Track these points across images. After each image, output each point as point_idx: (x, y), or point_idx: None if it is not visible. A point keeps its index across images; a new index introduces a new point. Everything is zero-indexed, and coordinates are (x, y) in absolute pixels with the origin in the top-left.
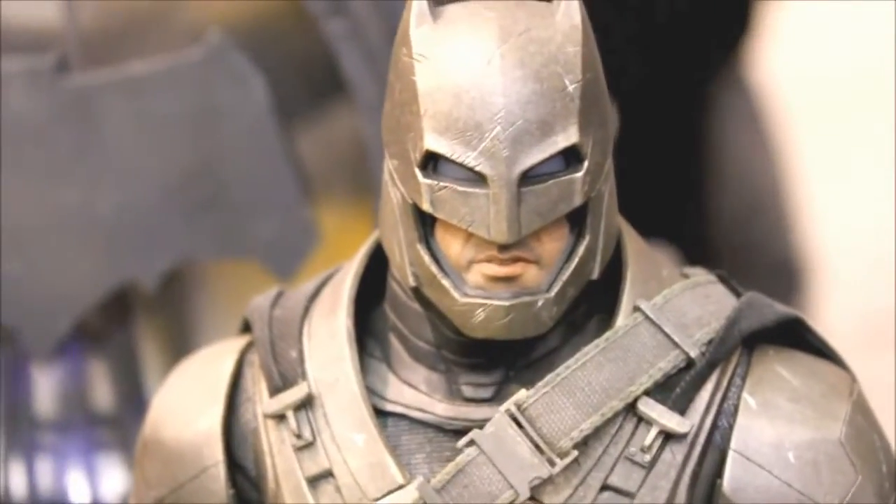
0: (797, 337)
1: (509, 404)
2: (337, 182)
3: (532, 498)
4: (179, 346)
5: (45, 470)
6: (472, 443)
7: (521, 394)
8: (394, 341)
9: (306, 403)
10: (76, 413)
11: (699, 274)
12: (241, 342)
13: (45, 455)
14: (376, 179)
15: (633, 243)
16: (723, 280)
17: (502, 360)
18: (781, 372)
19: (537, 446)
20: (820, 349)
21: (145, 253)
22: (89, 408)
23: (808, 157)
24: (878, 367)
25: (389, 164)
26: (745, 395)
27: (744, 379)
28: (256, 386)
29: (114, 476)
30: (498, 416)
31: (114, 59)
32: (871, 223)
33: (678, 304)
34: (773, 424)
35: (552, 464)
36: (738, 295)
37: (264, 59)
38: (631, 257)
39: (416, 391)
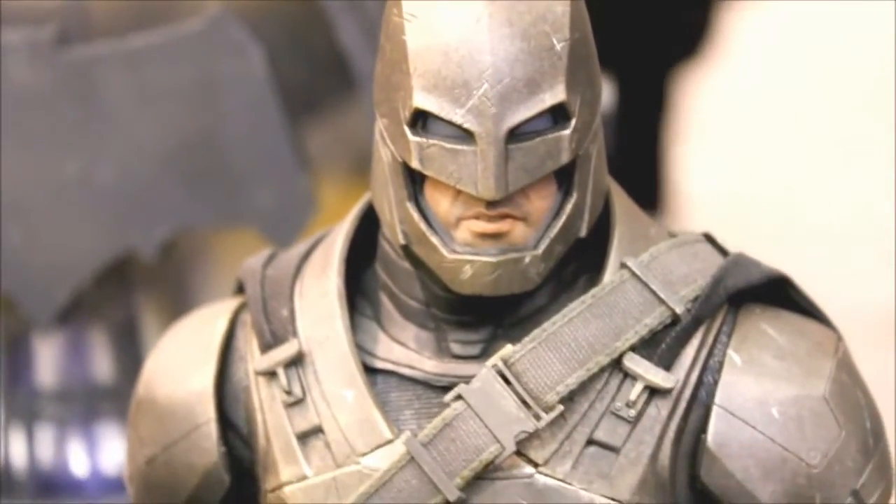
0: (783, 296)
1: (496, 359)
2: (337, 154)
3: (518, 452)
4: (178, 316)
5: (45, 439)
6: (458, 397)
7: (508, 349)
8: (384, 300)
9: (297, 361)
10: (76, 383)
11: (687, 233)
12: (234, 303)
13: (46, 425)
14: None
15: (622, 203)
16: (709, 239)
17: (490, 317)
18: (767, 330)
19: (523, 401)
20: (805, 308)
21: (145, 222)
22: (89, 378)
23: (808, 153)
24: (880, 363)
25: (380, 124)
26: (730, 351)
27: (729, 336)
28: (248, 345)
29: (113, 446)
30: (484, 371)
31: (113, 31)
32: (871, 219)
33: (665, 261)
34: (758, 381)
35: (538, 418)
36: (724, 254)
37: (263, 33)
38: (619, 216)
39: (405, 348)
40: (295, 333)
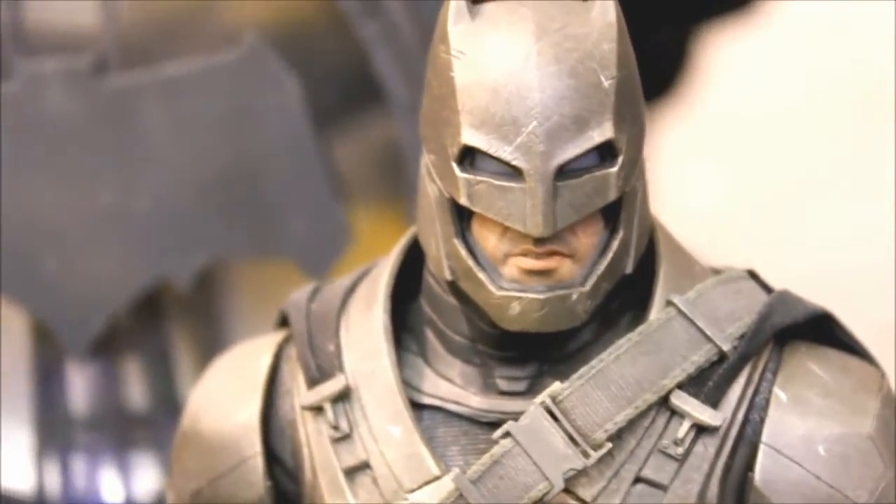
0: (826, 332)
1: (544, 396)
2: (371, 183)
3: (566, 490)
4: (211, 346)
5: (78, 468)
6: (507, 434)
7: (556, 386)
8: (429, 335)
9: (343, 396)
10: (109, 412)
11: (730, 270)
12: (278, 337)
13: (79, 453)
14: (411, 180)
15: (666, 239)
16: (753, 276)
17: (536, 353)
18: (812, 367)
19: (572, 438)
20: (849, 345)
21: (180, 251)
22: (122, 407)
23: (809, 166)
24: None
25: (427, 160)
26: (776, 389)
27: (775, 374)
28: (294, 380)
29: (147, 475)
30: (533, 408)
31: (150, 60)
32: (872, 233)
33: (711, 298)
34: (804, 419)
35: (586, 455)
36: (768, 291)
37: (298, 61)
38: (664, 253)
39: (451, 384)
40: (341, 368)
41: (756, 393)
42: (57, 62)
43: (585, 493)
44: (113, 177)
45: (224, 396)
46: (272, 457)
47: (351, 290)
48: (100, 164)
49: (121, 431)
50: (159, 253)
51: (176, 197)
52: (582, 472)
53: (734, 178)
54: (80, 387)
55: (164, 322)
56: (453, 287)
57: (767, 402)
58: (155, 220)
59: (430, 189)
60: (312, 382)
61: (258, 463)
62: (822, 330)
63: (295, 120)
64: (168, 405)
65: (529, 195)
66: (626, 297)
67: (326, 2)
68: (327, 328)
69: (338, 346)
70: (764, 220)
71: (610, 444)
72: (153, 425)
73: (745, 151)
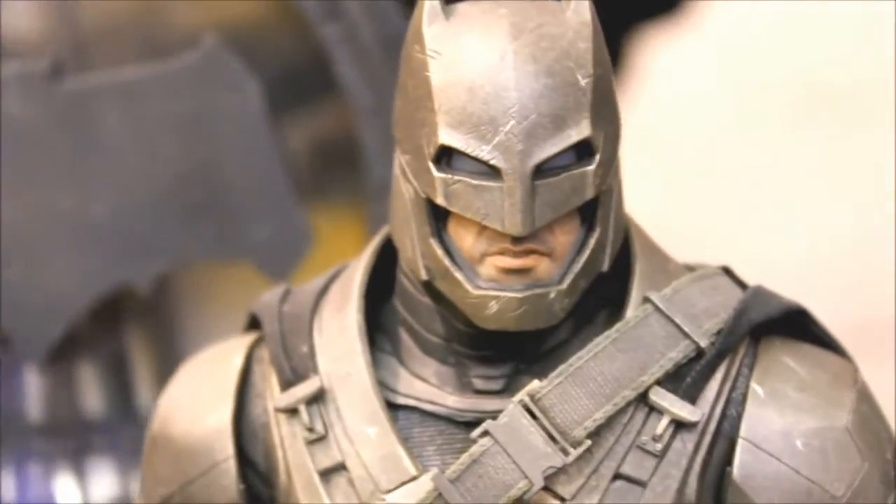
0: (800, 328)
1: (523, 395)
2: (331, 185)
3: (545, 488)
4: (169, 352)
5: (35, 475)
6: (485, 433)
7: (535, 384)
8: (404, 336)
9: (318, 397)
10: (66, 418)
11: (705, 267)
12: (248, 339)
13: (36, 460)
14: (373, 182)
15: (640, 237)
16: (728, 272)
17: (513, 352)
18: (788, 362)
19: (551, 436)
20: (822, 339)
21: (140, 257)
22: (80, 413)
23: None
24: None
25: (402, 160)
26: (752, 384)
27: (751, 369)
28: (266, 382)
29: (103, 481)
30: (511, 406)
31: (107, 63)
32: (865, 231)
33: (687, 294)
34: (782, 413)
35: (566, 453)
36: (742, 287)
37: (258, 63)
38: (639, 250)
39: (426, 384)
40: (315, 370)
41: (733, 388)
42: (13, 66)
43: (564, 490)
44: (71, 181)
45: (195, 400)
46: (245, 460)
47: (323, 291)
48: (57, 169)
49: (77, 438)
50: (119, 259)
51: (135, 201)
52: (561, 470)
53: (670, 176)
54: (36, 393)
55: (122, 327)
56: (428, 287)
57: (744, 396)
58: (114, 225)
59: (404, 189)
60: (286, 384)
61: (231, 466)
62: (795, 325)
63: (254, 123)
64: (125, 412)
65: (507, 194)
66: (601, 295)
67: (285, 3)
68: (300, 330)
69: (311, 348)
70: (698, 217)
71: (589, 442)
72: (110, 431)
73: (680, 149)
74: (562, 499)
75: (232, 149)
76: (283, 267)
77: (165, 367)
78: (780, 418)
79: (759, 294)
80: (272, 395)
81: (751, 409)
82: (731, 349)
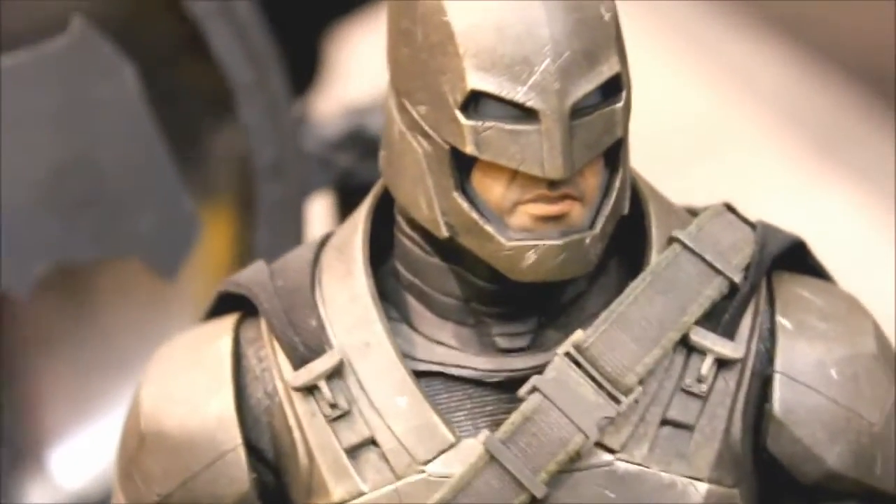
0: (796, 260)
1: (567, 346)
2: (213, 172)
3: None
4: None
5: None
6: (533, 389)
7: (578, 334)
8: (411, 300)
9: (337, 371)
10: None
11: (713, 205)
12: (229, 321)
13: None
14: (258, 164)
15: (642, 180)
16: (731, 209)
17: (534, 307)
18: (802, 293)
19: (600, 385)
20: (817, 271)
21: (16, 259)
22: None
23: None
24: None
25: (413, 113)
26: (778, 317)
27: (771, 303)
28: (265, 362)
29: None
30: (557, 359)
31: None
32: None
33: (711, 232)
34: (812, 344)
35: (617, 402)
36: (748, 222)
37: (131, 46)
38: (648, 193)
39: (447, 348)
40: (330, 343)
41: (761, 323)
42: None
43: (613, 441)
44: None
45: (186, 390)
46: (250, 448)
47: (315, 261)
48: None
49: None
50: None
51: (8, 198)
52: (608, 421)
53: None
54: None
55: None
56: (439, 246)
57: (770, 331)
58: None
59: (417, 144)
60: (301, 362)
61: (239, 456)
62: (793, 258)
63: (133, 109)
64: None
65: (546, 137)
66: (610, 242)
67: None
68: (304, 304)
69: (320, 321)
70: None
71: (641, 388)
72: None
73: None
74: (611, 450)
75: (110, 137)
76: (172, 260)
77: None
78: (811, 349)
79: (770, 227)
80: (279, 376)
81: (783, 343)
82: (759, 283)
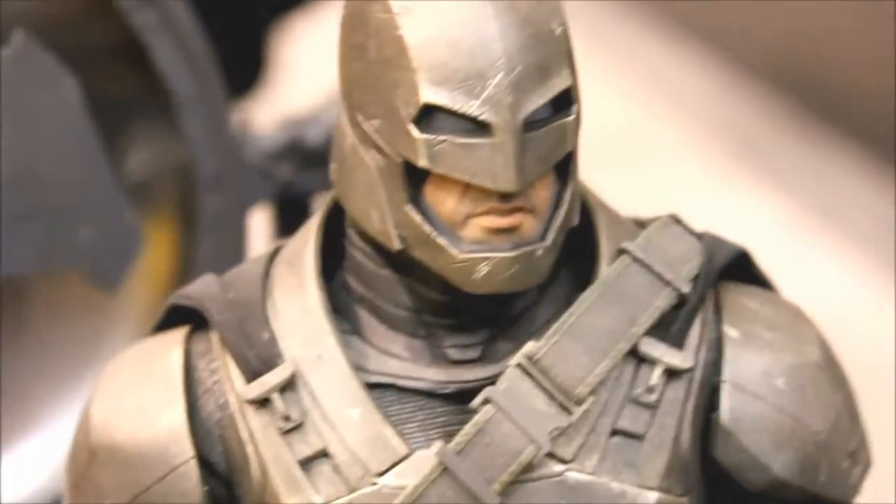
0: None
1: (520, 357)
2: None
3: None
4: None
5: None
6: (486, 401)
7: (531, 346)
8: (362, 313)
9: (290, 384)
10: None
11: (659, 217)
12: (179, 334)
13: None
14: (200, 172)
15: (590, 191)
16: (677, 220)
17: (486, 318)
18: (749, 303)
19: (552, 396)
20: (759, 280)
21: None
22: None
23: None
24: None
25: (366, 126)
26: (725, 327)
27: (718, 313)
28: (217, 375)
29: None
30: (510, 370)
31: None
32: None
33: (659, 243)
34: (758, 353)
35: (569, 412)
36: (694, 233)
37: (72, 56)
38: (595, 204)
39: (399, 360)
40: (282, 356)
41: (708, 333)
42: None
43: (565, 451)
44: None
45: (137, 403)
46: (202, 461)
47: (266, 274)
48: None
49: None
50: None
51: None
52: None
53: None
54: None
55: None
56: (391, 259)
57: (717, 340)
58: None
59: (368, 157)
60: (254, 374)
61: (191, 469)
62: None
63: (74, 120)
64: None
65: (499, 150)
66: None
67: None
68: (256, 317)
69: (272, 334)
70: None
71: (593, 398)
72: None
73: None
74: (563, 460)
75: (51, 149)
76: (115, 272)
77: None
78: (758, 359)
79: (716, 238)
80: (231, 389)
81: (730, 353)
82: (706, 294)
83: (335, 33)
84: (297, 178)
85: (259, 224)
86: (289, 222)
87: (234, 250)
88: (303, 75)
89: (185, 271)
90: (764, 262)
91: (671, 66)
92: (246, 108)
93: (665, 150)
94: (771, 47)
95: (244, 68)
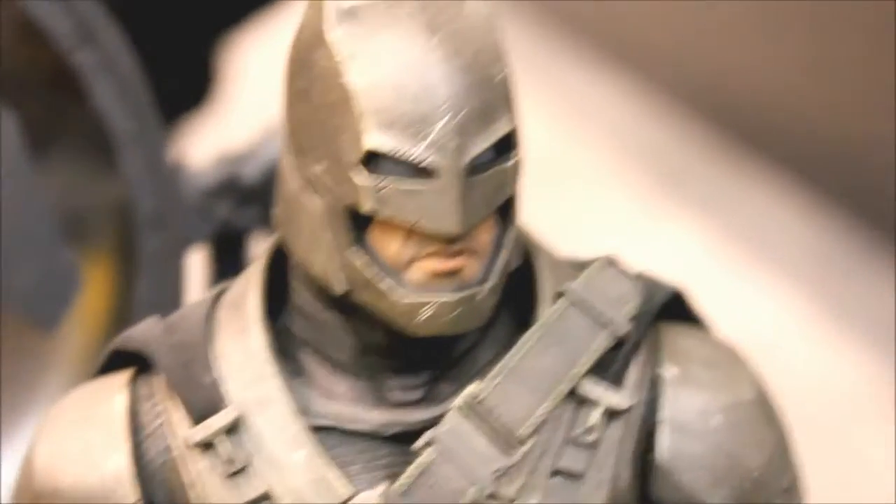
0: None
1: (463, 399)
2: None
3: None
4: None
5: None
6: (429, 443)
7: (473, 387)
8: (306, 355)
9: (235, 427)
10: None
11: (596, 258)
12: (123, 377)
13: None
14: (139, 211)
15: (530, 234)
16: (612, 263)
17: (428, 360)
18: (686, 343)
19: (494, 437)
20: (694, 318)
21: None
22: None
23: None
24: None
25: (309, 172)
26: (663, 367)
27: (656, 353)
28: (160, 418)
29: None
30: (452, 412)
31: None
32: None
33: (597, 285)
34: (696, 392)
35: (511, 453)
36: (629, 274)
37: (11, 95)
38: (535, 247)
39: (342, 402)
40: (226, 400)
41: (646, 373)
42: None
43: (507, 491)
44: None
45: (81, 447)
46: None
47: (208, 317)
48: None
49: None
50: None
51: None
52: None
53: None
54: None
55: None
56: (335, 301)
57: (655, 380)
58: None
59: (310, 202)
60: (199, 418)
61: None
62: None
63: (12, 158)
64: None
65: (444, 193)
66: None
67: (35, 30)
68: (199, 360)
69: (215, 377)
70: None
71: (534, 439)
72: None
73: None
74: (505, 500)
75: None
76: (53, 314)
77: None
78: (695, 398)
79: (653, 279)
80: (174, 433)
81: (668, 392)
82: (644, 334)
83: (275, 57)
84: (233, 216)
85: (196, 262)
86: (224, 260)
87: (172, 290)
88: (242, 101)
89: (122, 311)
90: (691, 289)
91: (595, 93)
92: (183, 138)
93: (589, 177)
94: (694, 75)
95: (191, 85)
